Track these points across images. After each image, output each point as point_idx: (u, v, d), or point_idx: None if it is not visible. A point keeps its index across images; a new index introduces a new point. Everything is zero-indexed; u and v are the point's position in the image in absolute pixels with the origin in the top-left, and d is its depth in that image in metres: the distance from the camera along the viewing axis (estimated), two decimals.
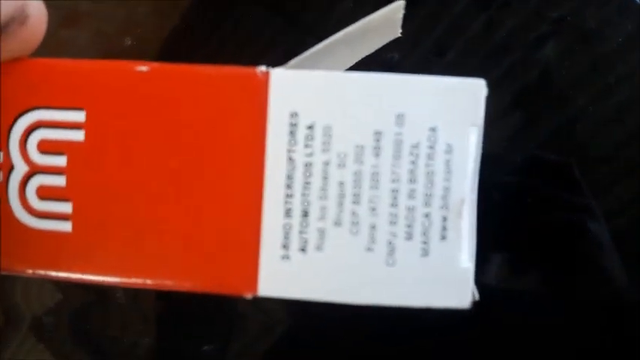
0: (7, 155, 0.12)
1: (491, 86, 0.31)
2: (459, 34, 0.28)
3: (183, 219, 0.11)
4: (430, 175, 0.10)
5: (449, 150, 0.10)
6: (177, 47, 0.29)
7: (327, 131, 0.11)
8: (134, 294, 0.29)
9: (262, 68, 0.11)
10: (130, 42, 0.29)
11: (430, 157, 0.10)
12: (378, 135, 0.10)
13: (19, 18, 0.11)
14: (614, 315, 0.28)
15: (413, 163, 0.10)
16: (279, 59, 0.30)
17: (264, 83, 0.11)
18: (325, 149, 0.11)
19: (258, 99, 0.11)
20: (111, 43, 0.29)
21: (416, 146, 0.10)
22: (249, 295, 0.11)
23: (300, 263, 0.11)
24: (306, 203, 0.11)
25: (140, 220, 0.11)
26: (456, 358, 0.28)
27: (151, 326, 0.30)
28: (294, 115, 0.11)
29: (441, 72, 0.29)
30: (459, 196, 0.10)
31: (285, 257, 0.11)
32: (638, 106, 0.28)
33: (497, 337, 0.27)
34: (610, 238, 0.27)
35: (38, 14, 0.11)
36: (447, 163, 0.10)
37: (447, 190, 0.10)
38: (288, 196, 0.11)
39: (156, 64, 0.11)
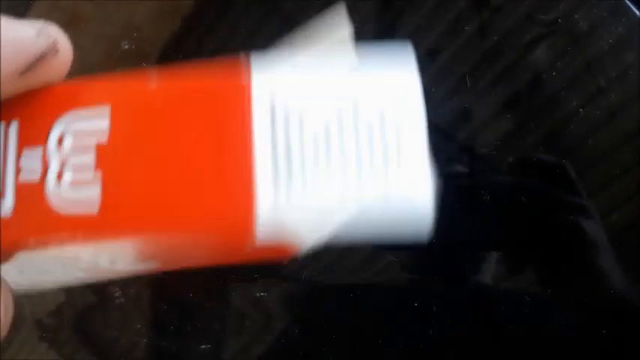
0: (46, 154, 0.16)
1: (484, 89, 0.35)
2: (451, 38, 0.31)
3: (189, 181, 0.15)
4: (383, 123, 0.15)
5: (396, 108, 0.15)
6: (177, 49, 0.33)
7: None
8: (133, 295, 0.32)
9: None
10: (130, 45, 0.32)
11: (382, 116, 0.15)
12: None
13: (52, 51, 0.16)
14: (611, 313, 0.29)
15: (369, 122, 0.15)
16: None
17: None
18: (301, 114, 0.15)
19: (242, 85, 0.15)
20: (112, 45, 0.33)
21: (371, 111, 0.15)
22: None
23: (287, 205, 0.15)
24: (288, 151, 0.15)
25: (155, 192, 0.16)
26: (454, 358, 0.30)
27: (149, 326, 0.32)
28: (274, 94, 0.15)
29: (433, 76, 0.32)
30: (408, 139, 0.15)
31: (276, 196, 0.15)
32: (630, 107, 0.30)
33: (493, 336, 0.30)
34: (605, 238, 0.29)
35: (66, 48, 0.16)
36: (398, 123, 0.15)
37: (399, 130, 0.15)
38: (274, 147, 0.15)
39: (163, 76, 0.16)
